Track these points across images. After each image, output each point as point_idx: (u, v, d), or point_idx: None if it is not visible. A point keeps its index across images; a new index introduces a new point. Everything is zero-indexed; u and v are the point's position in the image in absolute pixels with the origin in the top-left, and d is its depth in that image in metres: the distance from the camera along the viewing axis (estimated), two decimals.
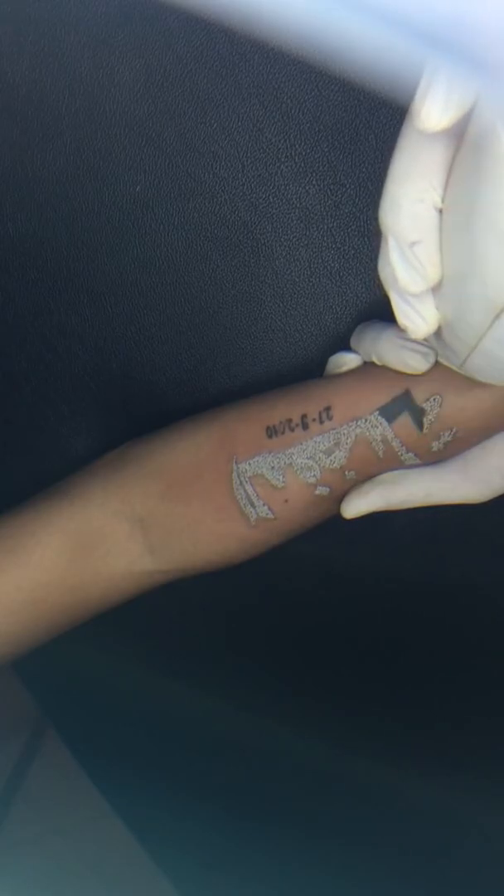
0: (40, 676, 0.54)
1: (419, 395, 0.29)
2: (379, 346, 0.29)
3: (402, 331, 0.29)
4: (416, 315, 0.26)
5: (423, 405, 0.29)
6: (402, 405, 0.29)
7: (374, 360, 0.30)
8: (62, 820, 0.60)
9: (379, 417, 0.29)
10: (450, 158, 0.23)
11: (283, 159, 0.32)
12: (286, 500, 0.31)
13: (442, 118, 0.20)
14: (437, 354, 0.29)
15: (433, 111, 0.20)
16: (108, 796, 0.56)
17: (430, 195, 0.23)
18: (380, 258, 0.26)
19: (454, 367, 0.28)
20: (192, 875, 0.55)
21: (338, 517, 0.32)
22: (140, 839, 0.56)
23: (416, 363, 0.28)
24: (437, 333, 0.27)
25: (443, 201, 0.23)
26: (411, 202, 0.24)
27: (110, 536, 0.34)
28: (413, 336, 0.27)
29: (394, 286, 0.26)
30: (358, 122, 0.31)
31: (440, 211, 0.24)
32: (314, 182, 0.32)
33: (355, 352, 0.32)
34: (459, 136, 0.22)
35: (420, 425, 0.29)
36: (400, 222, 0.24)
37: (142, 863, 0.56)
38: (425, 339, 0.29)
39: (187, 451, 0.33)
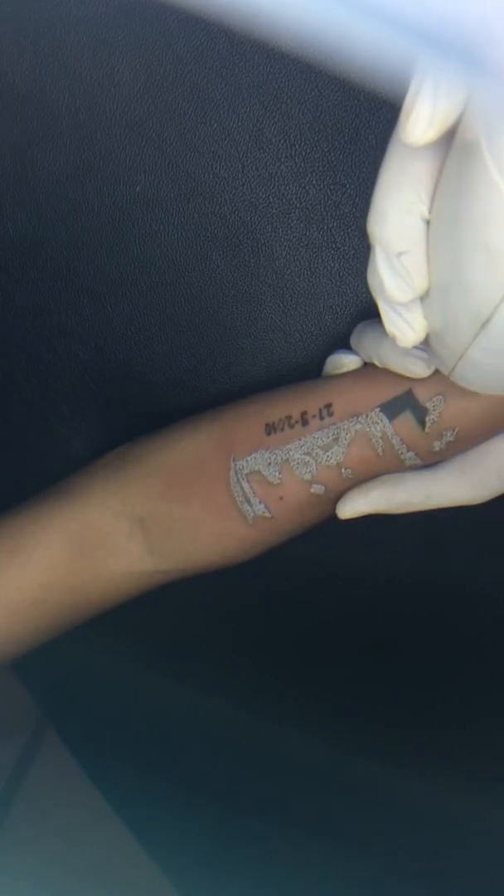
0: (40, 676, 0.54)
1: (422, 395, 0.29)
2: (381, 351, 0.29)
3: None
4: (404, 324, 0.26)
5: (426, 404, 0.29)
6: (405, 403, 0.29)
7: (376, 362, 0.30)
8: (62, 820, 0.60)
9: (380, 414, 0.29)
10: (437, 169, 0.23)
11: (283, 159, 0.32)
12: (281, 498, 0.31)
13: (427, 132, 0.20)
14: None
15: (418, 125, 0.20)
16: (108, 796, 0.56)
17: (417, 206, 0.24)
18: (368, 267, 0.26)
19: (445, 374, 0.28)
20: (192, 875, 0.55)
21: (338, 518, 0.32)
22: (140, 839, 0.56)
23: (417, 369, 0.28)
24: (426, 342, 0.27)
25: (430, 212, 0.24)
26: (398, 213, 0.24)
27: (110, 536, 0.34)
28: (401, 345, 0.27)
29: (381, 295, 0.26)
30: (358, 122, 0.31)
31: (427, 221, 0.24)
32: (314, 182, 0.32)
33: (354, 352, 0.32)
34: (446, 146, 0.22)
35: (422, 424, 0.29)
36: (387, 233, 0.24)
37: (142, 863, 0.56)
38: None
39: (187, 450, 0.33)
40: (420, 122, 0.20)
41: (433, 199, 0.23)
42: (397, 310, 0.26)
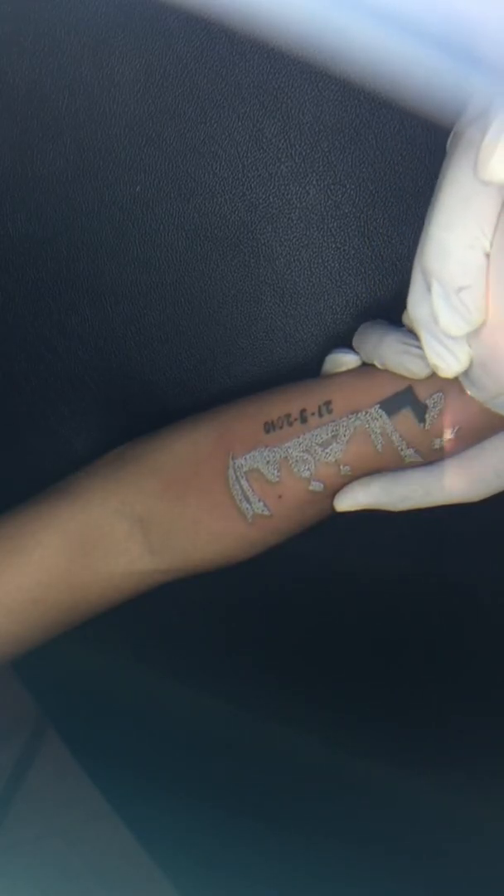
0: (40, 676, 0.54)
1: (422, 392, 0.29)
2: (381, 350, 0.29)
3: (404, 335, 0.29)
4: (450, 355, 0.26)
5: (426, 401, 0.29)
6: (404, 400, 0.29)
7: (376, 363, 0.30)
8: (62, 820, 0.60)
9: (379, 410, 0.29)
10: (501, 203, 0.23)
11: (283, 159, 0.32)
12: (280, 496, 0.31)
13: None
14: None
15: (503, 164, 0.20)
16: (108, 796, 0.56)
17: (481, 241, 0.23)
18: (412, 297, 0.26)
19: (478, 400, 0.28)
20: (192, 875, 0.55)
21: (337, 518, 0.32)
22: (140, 839, 0.56)
23: (416, 368, 0.28)
24: (466, 370, 0.27)
25: (491, 245, 0.23)
26: (461, 248, 0.24)
27: (110, 536, 0.34)
28: (442, 375, 0.27)
29: (429, 327, 0.26)
30: (358, 122, 0.31)
31: (488, 256, 0.24)
32: (314, 182, 0.32)
33: (352, 350, 0.32)
34: None
35: (422, 421, 0.29)
36: (448, 268, 0.24)
37: (142, 863, 0.56)
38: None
39: (186, 449, 0.33)
40: None
41: (495, 233, 0.23)
42: (443, 340, 0.26)
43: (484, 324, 0.25)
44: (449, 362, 0.26)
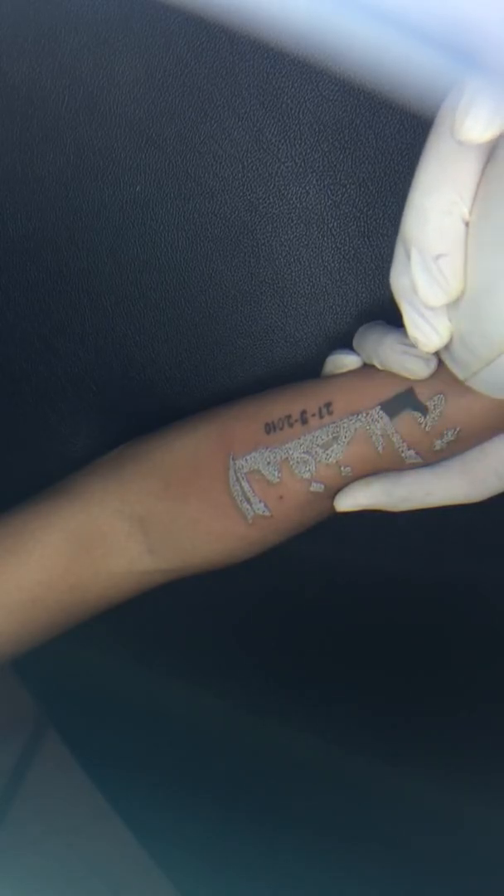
0: (40, 676, 0.54)
1: (422, 393, 0.29)
2: (381, 351, 0.29)
3: (404, 336, 0.29)
4: (429, 328, 0.26)
5: (427, 403, 0.29)
6: (405, 402, 0.29)
7: (376, 363, 0.30)
8: (62, 820, 0.60)
9: (380, 412, 0.29)
10: (479, 171, 0.23)
11: (283, 159, 0.32)
12: (281, 497, 0.31)
13: (486, 131, 0.20)
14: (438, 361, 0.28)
15: (478, 124, 0.20)
16: (108, 796, 0.56)
17: (459, 207, 0.23)
18: (394, 268, 0.26)
19: (459, 378, 0.28)
20: (192, 875, 0.55)
21: (337, 518, 0.32)
22: (140, 839, 0.56)
23: (417, 368, 0.28)
24: (446, 345, 0.27)
25: (470, 214, 0.23)
26: (439, 214, 0.23)
27: (110, 535, 0.34)
28: (423, 349, 0.26)
29: (409, 298, 0.26)
30: (358, 122, 0.31)
31: (466, 224, 0.24)
32: (314, 182, 0.32)
33: (353, 351, 0.32)
34: (490, 148, 0.22)
35: (423, 423, 0.29)
36: (426, 235, 0.24)
37: (142, 863, 0.56)
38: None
39: (185, 449, 0.33)
40: (480, 121, 0.20)
41: (474, 201, 0.23)
42: (423, 313, 0.26)
43: (462, 295, 0.25)
44: (428, 334, 0.26)
